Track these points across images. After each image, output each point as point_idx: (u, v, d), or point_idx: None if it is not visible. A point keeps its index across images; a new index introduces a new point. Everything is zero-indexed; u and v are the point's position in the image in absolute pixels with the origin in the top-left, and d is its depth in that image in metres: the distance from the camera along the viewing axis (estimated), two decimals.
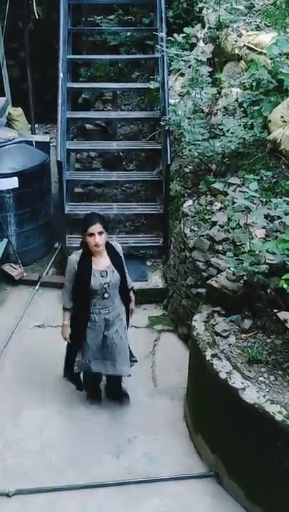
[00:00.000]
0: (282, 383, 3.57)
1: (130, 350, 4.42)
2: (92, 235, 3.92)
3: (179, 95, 6.58)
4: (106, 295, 4.05)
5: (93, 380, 4.50)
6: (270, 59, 5.88)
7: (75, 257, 4.08)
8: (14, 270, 6.30)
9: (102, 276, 4.02)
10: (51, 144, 7.37)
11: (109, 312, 4.13)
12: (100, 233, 3.94)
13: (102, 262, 4.07)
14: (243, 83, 6.24)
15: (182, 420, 4.47)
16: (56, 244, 6.93)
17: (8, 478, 3.96)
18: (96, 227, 3.92)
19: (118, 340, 4.23)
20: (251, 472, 3.62)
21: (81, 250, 4.09)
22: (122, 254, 4.23)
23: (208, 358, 3.81)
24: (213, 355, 3.81)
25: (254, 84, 5.97)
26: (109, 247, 4.13)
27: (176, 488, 3.90)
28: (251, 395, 3.46)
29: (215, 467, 3.95)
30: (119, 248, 4.23)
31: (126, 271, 4.25)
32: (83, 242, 4.07)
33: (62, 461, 4.11)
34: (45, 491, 3.87)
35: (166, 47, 6.39)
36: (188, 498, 3.82)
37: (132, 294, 4.42)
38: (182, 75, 6.77)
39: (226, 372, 3.65)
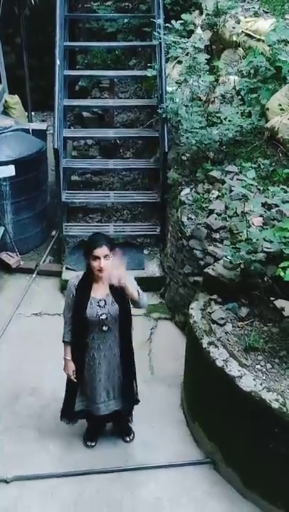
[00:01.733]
0: (279, 371, 3.59)
1: (134, 389, 3.97)
2: (97, 258, 3.41)
3: (177, 83, 6.53)
4: (105, 328, 3.57)
5: (96, 423, 4.12)
6: (269, 46, 5.84)
7: (74, 282, 3.62)
8: (11, 258, 6.29)
9: (99, 305, 3.54)
10: (48, 132, 7.33)
11: (111, 348, 3.67)
12: (106, 257, 3.42)
13: (101, 290, 3.57)
14: (241, 71, 6.20)
15: (179, 408, 4.49)
16: (53, 233, 6.91)
17: (7, 464, 3.98)
18: (102, 250, 3.39)
19: (118, 380, 3.82)
20: (247, 459, 3.65)
21: (82, 273, 3.63)
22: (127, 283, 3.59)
23: (204, 345, 3.82)
24: (209, 343, 3.82)
25: (252, 71, 5.95)
26: None
27: (173, 475, 3.93)
28: (248, 382, 3.48)
29: (211, 454, 3.99)
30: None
31: (135, 287, 3.59)
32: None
33: (59, 448, 4.13)
34: (43, 477, 3.90)
35: (164, 34, 6.33)
36: (185, 484, 3.86)
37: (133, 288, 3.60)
38: (180, 62, 6.72)
39: (223, 360, 3.66)
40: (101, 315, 3.53)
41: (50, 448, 4.14)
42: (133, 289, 3.52)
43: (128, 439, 4.19)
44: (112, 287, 3.54)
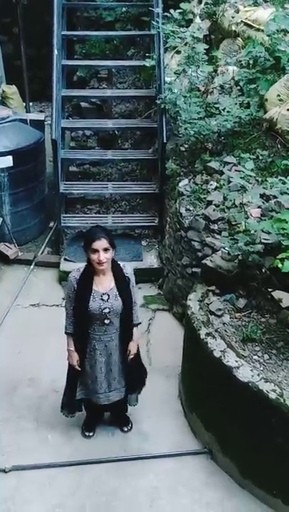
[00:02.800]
0: (276, 362, 3.60)
1: (141, 378, 4.01)
2: (96, 251, 3.40)
3: (175, 73, 6.50)
4: (107, 321, 3.56)
5: (95, 413, 4.14)
6: (268, 36, 5.81)
7: (74, 275, 3.58)
8: (9, 249, 6.29)
9: (102, 299, 3.51)
10: (46, 123, 7.30)
11: (112, 340, 3.67)
12: (106, 250, 3.41)
13: (104, 284, 3.55)
14: (240, 61, 6.17)
15: (177, 398, 4.51)
16: (51, 224, 6.91)
17: (5, 454, 4.00)
18: (101, 243, 3.38)
19: (120, 371, 3.83)
20: (245, 449, 3.67)
21: (83, 267, 3.60)
22: (132, 278, 3.66)
23: (202, 336, 3.83)
24: (207, 334, 3.82)
25: (251, 62, 5.92)
26: (115, 268, 3.60)
27: (171, 465, 3.95)
28: (245, 373, 3.49)
29: (209, 444, 4.00)
30: (128, 270, 3.65)
31: (134, 300, 3.70)
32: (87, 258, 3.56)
33: (58, 438, 4.15)
34: (41, 467, 3.92)
35: (162, 23, 6.29)
36: (182, 474, 3.88)
37: (135, 331, 3.81)
38: (178, 52, 6.67)
39: (220, 351, 3.67)
40: (104, 309, 3.50)
41: (48, 438, 4.16)
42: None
43: (126, 429, 4.20)
44: (117, 280, 3.54)
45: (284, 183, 4.24)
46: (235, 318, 3.96)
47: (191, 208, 5.14)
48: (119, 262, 3.64)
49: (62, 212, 6.40)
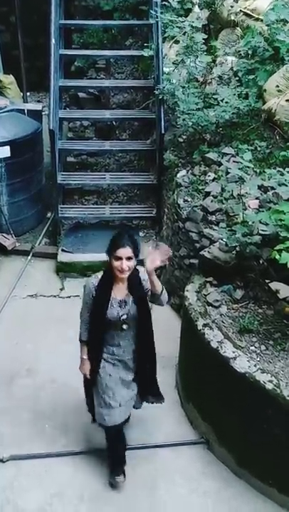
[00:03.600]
0: (273, 353, 3.61)
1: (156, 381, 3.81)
2: (119, 258, 3.27)
3: (174, 63, 6.46)
4: (125, 326, 3.44)
5: (116, 435, 3.75)
6: (267, 26, 5.78)
7: (93, 281, 3.45)
8: (6, 240, 6.27)
9: (120, 306, 3.41)
10: (43, 113, 7.26)
11: (130, 345, 3.54)
12: (129, 258, 3.28)
13: (122, 291, 3.44)
14: (239, 51, 6.14)
15: (174, 389, 4.52)
16: (49, 214, 6.90)
17: (3, 444, 4.02)
18: (126, 251, 3.25)
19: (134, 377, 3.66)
20: (241, 439, 3.69)
21: (100, 273, 3.47)
22: (147, 283, 3.46)
23: (199, 327, 3.84)
24: (204, 325, 3.83)
25: (250, 52, 5.90)
26: (132, 274, 3.41)
27: (168, 455, 3.97)
28: (242, 364, 3.50)
29: (206, 434, 4.02)
30: (145, 276, 3.44)
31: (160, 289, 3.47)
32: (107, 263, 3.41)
33: (55, 428, 4.17)
34: (39, 457, 3.94)
35: (161, 12, 6.25)
36: (179, 464, 3.90)
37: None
38: (177, 42, 6.64)
39: (218, 342, 3.68)
40: (122, 315, 3.41)
41: (46, 428, 4.17)
42: (158, 282, 3.44)
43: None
44: (131, 287, 3.44)
45: (282, 174, 4.23)
46: (233, 309, 3.97)
47: (189, 199, 5.14)
48: (138, 269, 3.46)
49: (59, 203, 6.39)
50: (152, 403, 3.87)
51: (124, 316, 3.41)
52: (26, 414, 4.28)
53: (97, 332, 3.50)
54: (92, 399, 3.69)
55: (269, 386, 3.35)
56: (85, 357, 3.59)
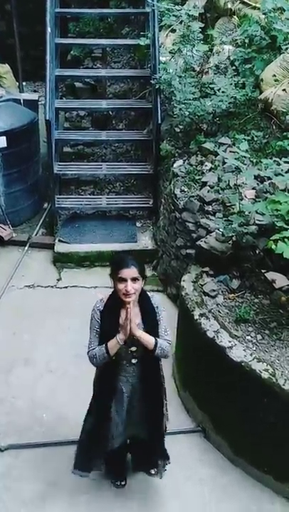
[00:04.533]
0: (269, 342, 3.64)
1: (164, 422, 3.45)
2: (123, 280, 2.93)
3: (170, 53, 6.43)
4: (134, 360, 3.12)
5: (116, 456, 3.57)
6: (264, 14, 5.74)
7: (98, 307, 3.10)
8: (3, 231, 6.27)
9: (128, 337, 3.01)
10: (40, 103, 7.23)
11: (140, 381, 3.21)
12: (135, 280, 2.94)
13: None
14: (236, 40, 6.11)
15: (170, 378, 4.55)
16: (45, 205, 6.89)
17: (1, 433, 4.04)
18: (130, 272, 2.92)
19: (145, 408, 3.32)
20: (237, 428, 3.73)
21: (107, 297, 3.13)
22: (160, 311, 3.14)
23: (196, 317, 3.86)
24: (201, 315, 3.85)
25: (246, 41, 5.87)
26: (143, 299, 3.10)
27: (165, 443, 4.00)
28: (238, 353, 3.53)
29: (202, 423, 4.06)
30: (157, 301, 3.16)
31: (163, 334, 3.12)
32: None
33: (52, 417, 4.19)
34: (37, 445, 3.97)
35: (157, 1, 6.20)
36: (176, 451, 3.91)
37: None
38: (173, 31, 6.60)
39: (214, 332, 3.70)
40: (131, 347, 3.05)
41: (43, 418, 4.20)
42: (146, 337, 3.03)
43: (153, 472, 3.62)
44: (145, 314, 3.10)
45: (278, 164, 4.23)
46: (229, 299, 3.99)
47: (185, 189, 5.14)
48: (147, 293, 3.16)
49: (56, 194, 6.38)
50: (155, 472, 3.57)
51: (134, 348, 3.06)
52: (24, 404, 4.31)
53: (107, 369, 3.14)
54: (96, 442, 3.35)
55: (265, 375, 3.38)
56: (113, 341, 3.01)
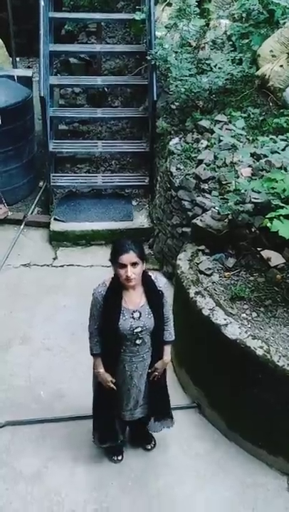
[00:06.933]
0: (264, 319, 3.67)
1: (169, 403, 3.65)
2: (123, 266, 2.98)
3: (166, 27, 6.33)
4: (138, 341, 3.15)
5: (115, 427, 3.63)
6: None
7: (100, 290, 3.14)
8: None
9: (133, 317, 3.09)
10: (34, 79, 7.12)
11: (144, 359, 3.27)
12: (134, 264, 2.98)
13: (135, 299, 3.12)
14: (233, 14, 6.02)
15: None
16: (41, 183, 6.85)
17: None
18: (129, 257, 2.95)
19: (149, 387, 3.45)
20: (232, 404, 3.78)
21: (109, 281, 3.15)
22: (165, 292, 3.24)
23: (191, 295, 3.88)
24: (196, 293, 3.87)
25: (244, 15, 5.79)
26: (147, 281, 3.16)
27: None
28: (233, 330, 3.56)
29: (198, 399, 4.12)
30: (161, 283, 3.23)
31: (166, 317, 3.29)
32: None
33: (50, 394, 4.24)
34: (35, 422, 4.02)
35: None
36: (173, 427, 3.99)
37: (167, 348, 3.38)
38: (169, 5, 6.49)
39: (209, 309, 3.72)
40: (135, 328, 3.10)
41: (41, 395, 4.25)
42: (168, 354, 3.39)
43: (149, 447, 3.86)
44: (149, 295, 3.15)
45: (275, 141, 4.21)
46: (225, 277, 4.01)
47: (181, 167, 5.11)
48: (150, 274, 3.20)
49: (51, 172, 6.34)
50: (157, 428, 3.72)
51: (139, 329, 3.11)
52: (22, 381, 4.35)
53: (109, 346, 3.21)
54: (108, 412, 3.46)
55: (260, 352, 3.42)
56: (102, 370, 3.27)
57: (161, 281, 3.25)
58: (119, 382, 3.33)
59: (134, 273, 2.99)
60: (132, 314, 3.10)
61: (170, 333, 3.38)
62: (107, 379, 3.28)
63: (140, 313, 3.12)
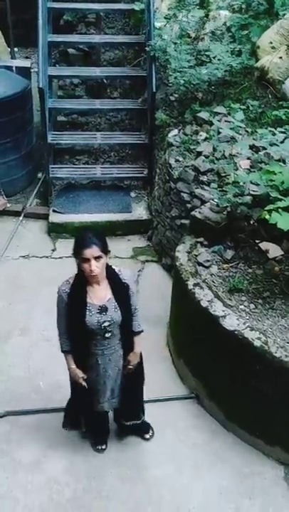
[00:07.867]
0: (262, 311, 3.69)
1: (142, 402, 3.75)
2: (86, 260, 2.94)
3: (165, 18, 6.30)
4: (108, 334, 3.16)
5: (100, 423, 3.77)
6: None
7: (64, 288, 3.13)
8: None
9: (99, 312, 3.08)
10: (32, 70, 7.09)
11: (116, 351, 3.29)
12: (98, 258, 2.94)
13: (100, 294, 3.11)
14: (232, 5, 6.00)
15: (165, 346, 4.63)
16: (39, 175, 6.85)
17: None
18: (92, 251, 2.92)
19: (124, 377, 3.48)
20: (230, 394, 3.82)
21: (72, 278, 3.14)
22: (131, 284, 3.22)
23: (190, 287, 3.89)
24: (195, 285, 3.89)
25: (243, 6, 5.77)
26: (111, 274, 3.14)
27: (160, 410, 4.09)
28: (231, 322, 3.58)
29: (196, 390, 4.15)
30: (126, 275, 3.20)
31: (133, 308, 3.29)
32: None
33: (49, 386, 4.27)
34: (34, 412, 4.06)
35: None
36: (170, 417, 4.04)
37: (137, 339, 3.39)
38: None
39: (208, 301, 3.74)
40: (103, 323, 3.09)
41: (40, 386, 4.28)
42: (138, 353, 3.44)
43: (147, 436, 3.91)
44: (114, 289, 3.14)
45: (274, 134, 4.22)
46: (223, 269, 4.03)
47: (180, 159, 5.11)
48: (114, 267, 3.17)
49: (50, 163, 6.34)
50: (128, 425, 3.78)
51: (106, 323, 3.11)
52: (21, 372, 4.38)
53: (78, 342, 3.23)
54: (81, 406, 3.56)
55: (257, 343, 3.44)
56: (73, 366, 3.31)
57: (125, 273, 3.21)
58: (94, 376, 3.34)
59: (97, 267, 2.96)
60: (99, 309, 3.09)
61: (138, 324, 3.38)
62: (78, 375, 3.31)
63: (106, 308, 3.11)
